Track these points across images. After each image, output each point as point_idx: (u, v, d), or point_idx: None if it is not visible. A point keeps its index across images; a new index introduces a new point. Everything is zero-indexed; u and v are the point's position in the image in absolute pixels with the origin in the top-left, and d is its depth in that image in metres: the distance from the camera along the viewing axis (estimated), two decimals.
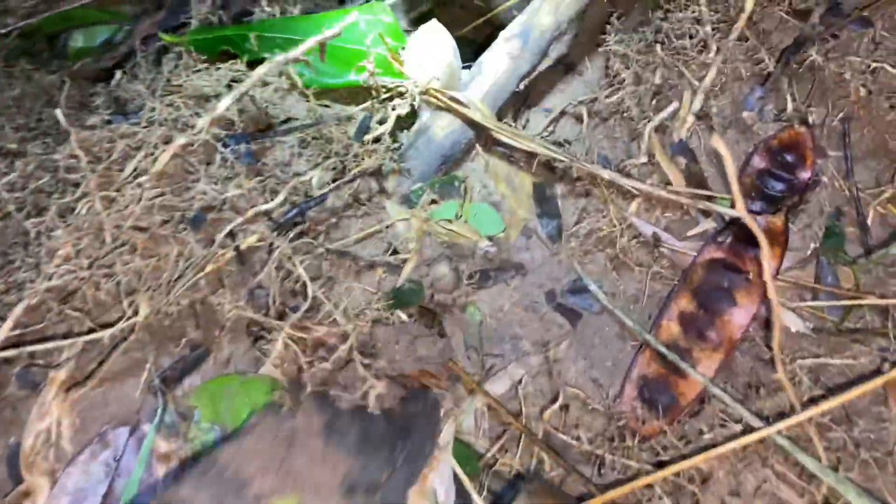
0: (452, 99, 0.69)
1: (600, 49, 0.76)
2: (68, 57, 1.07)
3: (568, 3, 0.69)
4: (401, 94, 0.69)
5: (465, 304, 0.70)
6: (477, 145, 0.73)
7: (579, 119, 0.75)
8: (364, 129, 0.69)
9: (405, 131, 0.73)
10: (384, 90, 0.69)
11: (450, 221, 0.69)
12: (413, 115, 0.72)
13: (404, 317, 0.64)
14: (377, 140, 0.70)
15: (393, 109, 0.67)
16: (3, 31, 1.05)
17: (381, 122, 0.69)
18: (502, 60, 0.70)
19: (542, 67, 0.75)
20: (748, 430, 0.56)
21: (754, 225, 0.53)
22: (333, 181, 0.68)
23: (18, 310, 0.62)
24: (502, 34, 0.71)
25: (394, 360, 0.62)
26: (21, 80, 0.92)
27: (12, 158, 0.74)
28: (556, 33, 0.73)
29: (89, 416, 0.66)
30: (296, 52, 0.62)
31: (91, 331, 0.64)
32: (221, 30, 0.79)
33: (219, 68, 0.72)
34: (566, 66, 0.81)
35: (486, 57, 0.71)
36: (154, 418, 0.66)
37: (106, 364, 0.66)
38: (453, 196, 0.71)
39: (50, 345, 0.63)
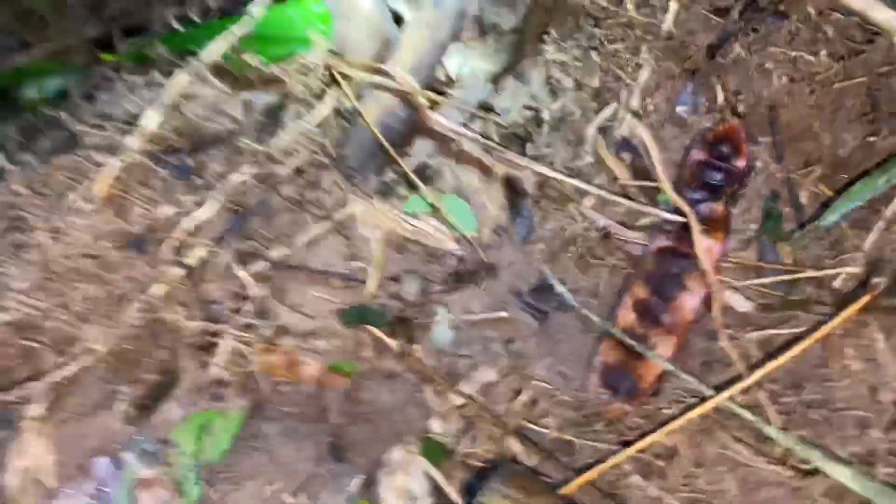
0: (376, 70, 0.70)
1: (539, 58, 0.80)
2: (23, 108, 1.08)
3: None
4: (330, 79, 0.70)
5: (434, 310, 0.73)
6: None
7: (531, 121, 0.78)
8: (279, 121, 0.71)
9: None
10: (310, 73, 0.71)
11: (416, 217, 0.72)
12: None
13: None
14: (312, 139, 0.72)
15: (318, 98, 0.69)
16: None
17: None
18: (420, 30, 0.71)
19: (463, 34, 0.76)
20: (703, 400, 0.59)
21: (688, 209, 0.57)
22: (264, 182, 0.69)
23: None
24: (416, 5, 0.72)
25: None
26: None
27: None
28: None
29: (69, 450, 0.66)
30: (209, 52, 0.64)
31: (58, 364, 0.65)
32: (145, 44, 0.80)
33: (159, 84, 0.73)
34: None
35: (403, 30, 0.73)
36: (133, 446, 0.67)
37: (78, 396, 0.67)
38: (426, 186, 0.73)
39: (21, 391, 0.64)
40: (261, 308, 0.62)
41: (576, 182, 0.70)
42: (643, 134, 0.57)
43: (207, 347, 0.65)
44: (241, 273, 0.62)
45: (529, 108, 0.81)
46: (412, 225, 0.75)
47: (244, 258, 0.63)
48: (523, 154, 0.77)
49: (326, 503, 0.63)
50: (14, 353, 0.62)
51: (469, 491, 0.64)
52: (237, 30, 0.65)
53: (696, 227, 0.61)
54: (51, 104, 1.08)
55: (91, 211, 0.61)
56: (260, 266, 0.65)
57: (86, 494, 0.66)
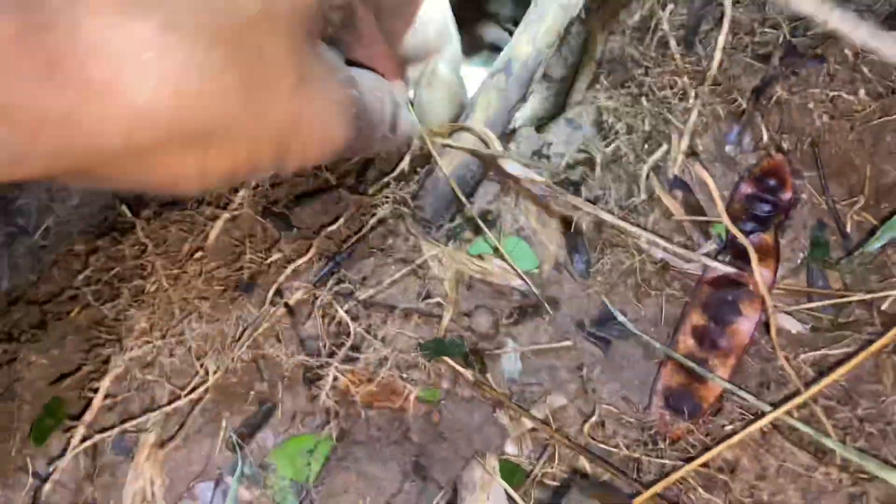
0: (459, 129, 0.78)
1: (592, 105, 0.87)
2: None
3: (544, 32, 0.78)
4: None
5: (503, 342, 0.79)
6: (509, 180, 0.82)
7: (583, 163, 0.85)
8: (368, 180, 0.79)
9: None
10: None
11: (481, 258, 0.78)
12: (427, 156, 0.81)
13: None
14: (386, 186, 0.80)
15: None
16: None
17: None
18: (492, 95, 0.79)
19: (529, 96, 0.84)
20: (761, 416, 0.63)
21: (744, 239, 0.62)
22: (356, 233, 0.77)
23: (107, 381, 0.71)
24: (489, 71, 0.80)
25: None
26: (79, 191, 1.03)
27: (85, 257, 0.84)
28: (537, 61, 0.82)
29: (177, 474, 0.73)
30: None
31: (172, 395, 0.72)
32: None
33: None
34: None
35: (475, 94, 0.81)
36: (234, 471, 0.74)
37: (186, 425, 0.74)
38: (488, 229, 0.80)
39: (141, 419, 0.72)
40: (356, 342, 0.68)
41: (626, 225, 0.76)
42: (699, 170, 0.62)
43: (305, 379, 0.72)
44: (340, 312, 0.68)
45: (582, 151, 0.88)
46: (478, 265, 0.82)
47: (338, 298, 0.70)
48: (579, 196, 0.83)
49: None
50: (135, 386, 0.70)
51: None
52: None
53: (752, 254, 0.66)
54: None
55: (204, 258, 0.69)
56: (351, 305, 0.71)
57: None
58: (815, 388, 0.61)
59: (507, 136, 0.85)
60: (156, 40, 0.33)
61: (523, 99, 0.79)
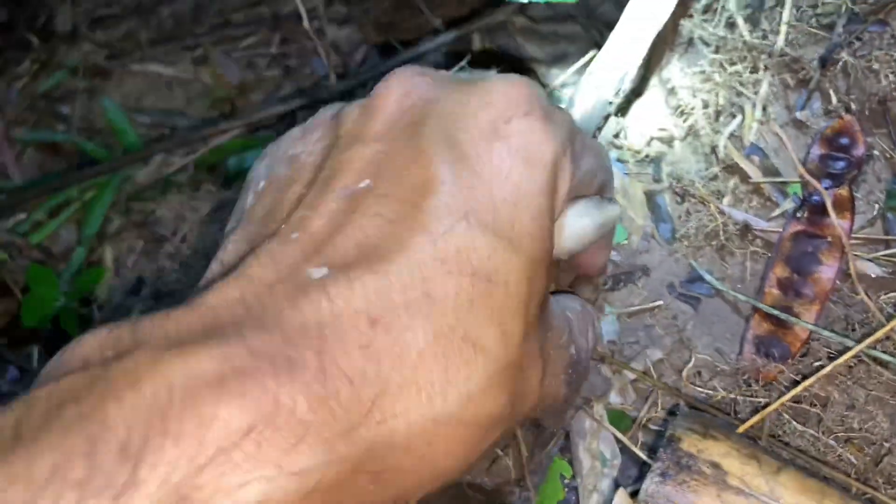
0: None
1: (667, 85, 0.95)
2: (227, 177, 1.32)
3: (635, 32, 0.87)
4: None
5: (602, 305, 0.87)
6: None
7: (663, 140, 0.92)
8: None
9: None
10: None
11: None
12: None
13: None
14: None
15: None
16: (178, 167, 1.32)
17: None
18: (588, 93, 0.88)
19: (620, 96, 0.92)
20: (846, 350, 0.70)
21: (820, 187, 0.69)
22: None
23: None
24: (587, 70, 0.89)
25: None
26: (207, 198, 1.16)
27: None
28: (628, 62, 0.90)
29: None
30: None
31: None
32: None
33: None
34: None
35: (575, 94, 0.90)
36: None
37: None
38: None
39: None
40: None
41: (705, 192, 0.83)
42: (774, 129, 0.69)
43: None
44: None
45: (661, 129, 0.95)
46: None
47: None
48: (659, 173, 0.91)
49: (534, 461, 0.78)
50: None
51: (653, 449, 0.77)
52: None
53: (829, 202, 0.73)
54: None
55: None
56: None
57: None
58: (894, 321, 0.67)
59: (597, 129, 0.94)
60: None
61: (617, 95, 0.87)
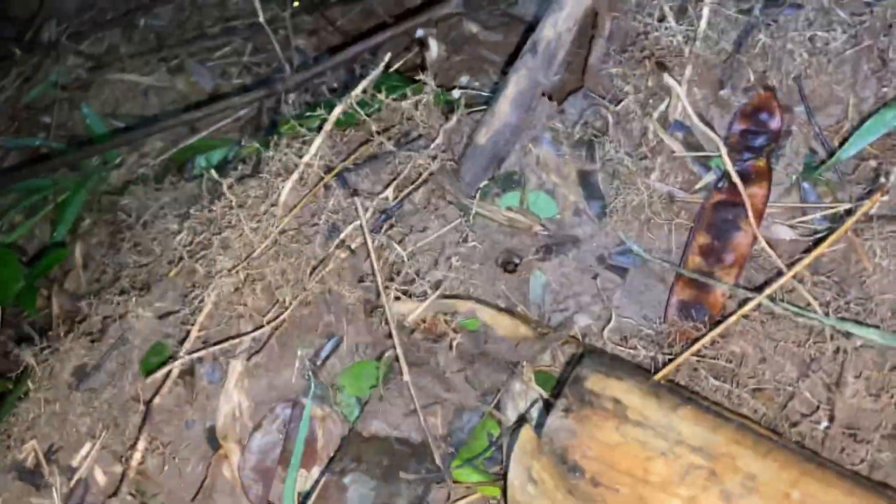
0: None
1: (602, 73, 0.99)
2: (196, 175, 1.36)
3: (564, 17, 0.92)
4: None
5: (531, 273, 0.90)
6: (527, 143, 0.95)
7: (596, 125, 0.96)
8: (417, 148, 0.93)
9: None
10: None
11: (510, 209, 0.91)
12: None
13: None
14: (434, 157, 0.94)
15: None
16: (153, 162, 1.36)
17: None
18: (521, 72, 0.92)
19: (553, 76, 0.96)
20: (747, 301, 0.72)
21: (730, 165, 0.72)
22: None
23: (201, 317, 0.85)
24: (521, 54, 0.93)
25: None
26: (170, 190, 1.20)
27: (178, 227, 1.00)
28: (558, 42, 0.95)
29: (260, 397, 0.87)
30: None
31: (255, 324, 0.86)
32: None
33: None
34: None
35: (510, 72, 0.94)
36: (308, 393, 0.86)
37: (266, 355, 0.87)
38: (514, 188, 0.93)
39: (226, 344, 0.86)
40: (406, 279, 0.81)
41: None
42: (700, 108, 0.73)
43: (366, 311, 0.85)
44: (396, 248, 0.81)
45: (595, 112, 0.99)
46: (507, 216, 0.94)
47: (391, 243, 0.83)
48: (592, 154, 0.96)
49: (464, 418, 0.80)
50: (226, 316, 0.84)
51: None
52: (373, 73, 0.89)
53: (737, 179, 0.77)
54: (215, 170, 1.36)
55: (278, 212, 0.84)
56: (407, 247, 0.85)
57: (275, 430, 0.85)
58: (797, 267, 0.70)
59: (532, 108, 0.98)
60: None
61: (547, 78, 0.92)
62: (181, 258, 0.91)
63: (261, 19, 1.18)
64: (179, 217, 1.05)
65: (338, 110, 0.87)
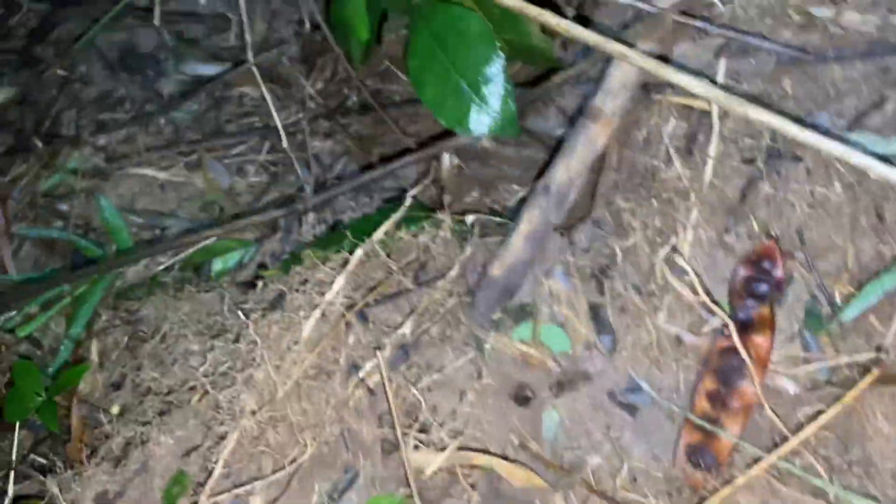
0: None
1: (612, 206, 1.04)
2: (212, 278, 1.39)
3: (575, 162, 0.97)
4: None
5: (543, 409, 0.93)
6: (539, 275, 0.99)
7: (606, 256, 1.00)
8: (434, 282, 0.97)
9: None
10: None
11: (524, 342, 0.94)
12: None
13: None
14: (450, 293, 0.97)
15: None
16: (165, 265, 1.40)
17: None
18: (534, 212, 0.97)
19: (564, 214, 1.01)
20: (758, 461, 0.75)
21: (729, 322, 0.76)
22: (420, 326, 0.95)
23: (224, 453, 0.88)
24: (532, 192, 0.98)
25: None
26: (189, 300, 1.23)
27: (203, 354, 1.03)
28: (569, 186, 1.00)
29: None
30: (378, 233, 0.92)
31: (276, 465, 0.89)
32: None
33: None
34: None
35: (522, 211, 0.99)
36: None
37: (287, 492, 0.90)
38: (526, 319, 0.96)
39: (249, 486, 0.88)
40: (424, 419, 0.85)
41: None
42: (706, 252, 0.77)
43: (384, 450, 0.88)
44: (414, 391, 0.85)
45: (605, 246, 1.04)
46: (520, 349, 0.97)
47: (408, 380, 0.87)
48: (602, 287, 0.99)
49: None
50: (247, 457, 0.87)
51: None
52: (396, 215, 0.94)
53: (735, 334, 0.81)
54: (231, 273, 1.40)
55: (300, 349, 0.87)
56: (424, 384, 0.88)
57: None
58: (802, 435, 0.73)
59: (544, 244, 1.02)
60: None
61: (559, 217, 0.96)
62: (204, 390, 0.94)
63: (278, 126, 1.23)
64: (199, 336, 1.09)
65: (359, 253, 0.92)
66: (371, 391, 0.88)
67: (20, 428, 1.15)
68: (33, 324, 1.49)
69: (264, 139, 1.62)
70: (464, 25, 0.92)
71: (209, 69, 1.83)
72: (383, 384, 0.86)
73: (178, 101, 1.76)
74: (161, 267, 1.43)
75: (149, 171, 1.63)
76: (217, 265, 1.41)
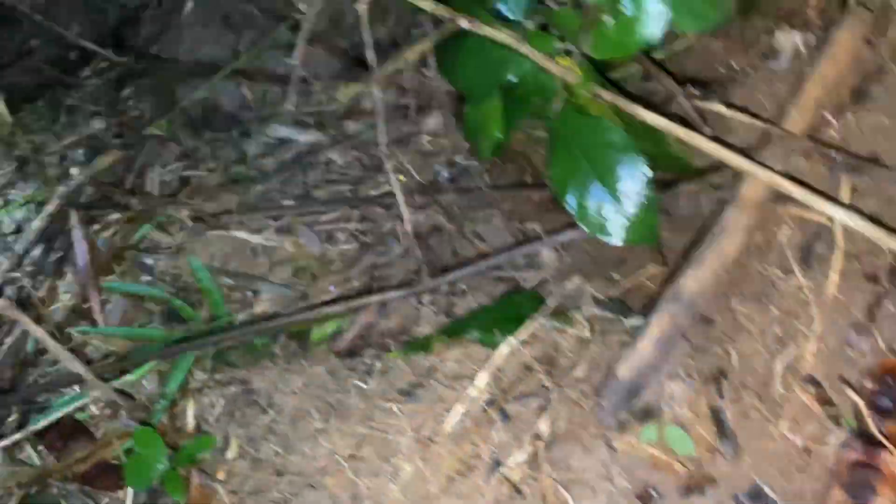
0: None
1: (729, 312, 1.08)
2: (311, 345, 1.43)
3: (706, 273, 1.02)
4: None
5: None
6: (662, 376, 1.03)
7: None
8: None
9: None
10: None
11: (651, 444, 0.98)
12: None
13: None
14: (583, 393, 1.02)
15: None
16: (264, 326, 1.43)
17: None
18: (664, 318, 1.02)
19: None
20: None
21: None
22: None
23: None
24: (662, 299, 1.03)
25: None
26: (300, 373, 1.27)
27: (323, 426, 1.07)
28: (700, 295, 1.04)
29: None
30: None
31: None
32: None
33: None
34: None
35: (652, 320, 1.04)
36: None
37: None
38: (651, 420, 1.00)
39: None
40: None
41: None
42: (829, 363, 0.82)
43: None
44: (560, 489, 0.89)
45: (723, 349, 1.08)
46: (648, 451, 1.01)
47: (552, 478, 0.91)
48: (720, 390, 1.04)
49: None
50: None
51: None
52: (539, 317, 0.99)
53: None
54: (329, 341, 1.43)
55: (444, 443, 0.92)
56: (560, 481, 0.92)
57: None
58: None
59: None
60: None
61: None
62: (341, 471, 0.98)
63: (405, 217, 1.27)
64: (322, 415, 1.12)
65: (505, 350, 0.96)
66: (516, 488, 0.92)
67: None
68: (126, 379, 1.52)
69: (353, 208, 1.66)
70: (608, 138, 0.97)
71: (293, 133, 1.89)
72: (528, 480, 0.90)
73: (266, 163, 1.81)
74: (258, 339, 1.46)
75: (240, 234, 1.67)
76: (315, 333, 1.45)
